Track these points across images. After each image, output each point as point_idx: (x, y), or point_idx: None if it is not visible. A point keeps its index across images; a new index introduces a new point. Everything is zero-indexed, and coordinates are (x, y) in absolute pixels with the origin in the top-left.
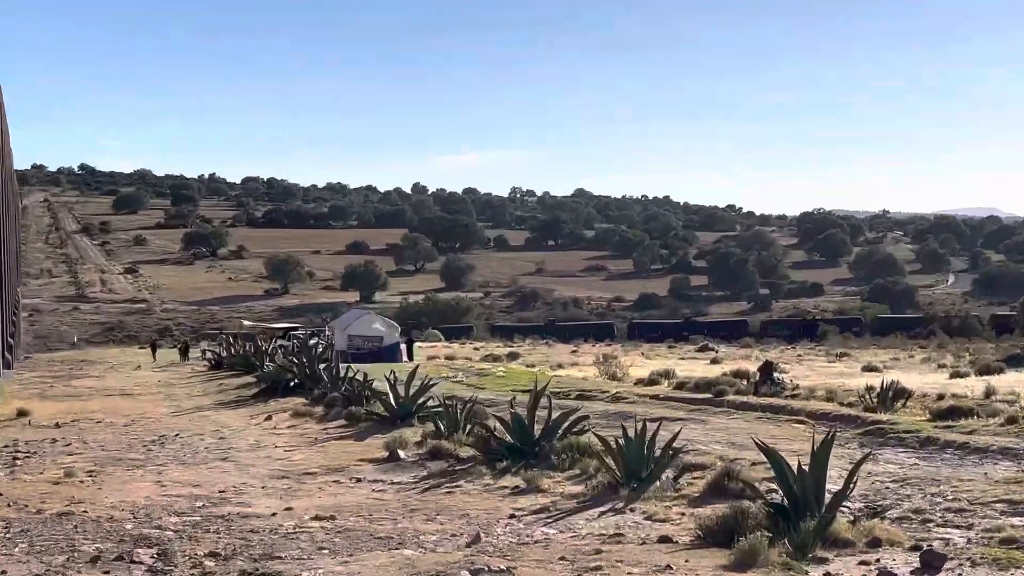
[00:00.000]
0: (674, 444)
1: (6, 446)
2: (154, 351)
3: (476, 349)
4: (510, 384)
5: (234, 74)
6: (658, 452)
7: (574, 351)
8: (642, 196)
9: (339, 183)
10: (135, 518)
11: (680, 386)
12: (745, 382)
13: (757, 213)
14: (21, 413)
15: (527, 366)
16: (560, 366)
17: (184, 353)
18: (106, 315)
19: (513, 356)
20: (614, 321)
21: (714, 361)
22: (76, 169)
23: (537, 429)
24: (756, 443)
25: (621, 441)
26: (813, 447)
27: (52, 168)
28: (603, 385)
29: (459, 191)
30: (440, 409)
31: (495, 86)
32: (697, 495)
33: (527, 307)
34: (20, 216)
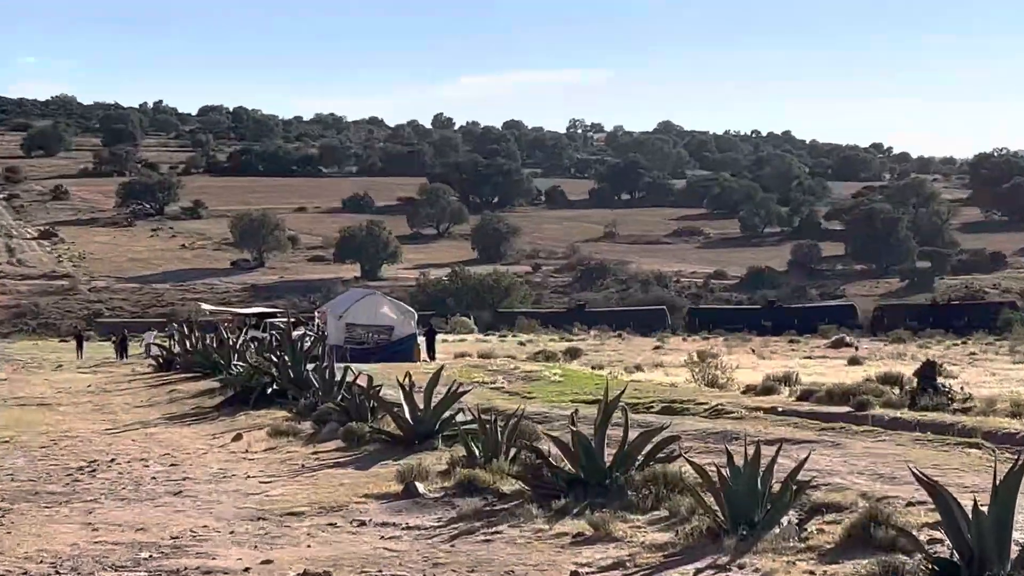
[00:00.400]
0: (799, 476)
1: None
2: (80, 345)
3: (522, 344)
4: (569, 392)
5: None
6: (776, 487)
7: (658, 347)
8: (752, 132)
9: (332, 115)
10: (58, 574)
11: (806, 396)
12: (897, 391)
13: (914, 155)
14: None
15: (592, 368)
16: (639, 368)
17: (121, 348)
18: (14, 295)
19: (573, 354)
20: (719, 305)
21: (853, 361)
22: None
23: (608, 454)
24: (914, 474)
25: (725, 471)
26: (995, 481)
27: None
28: (699, 394)
29: (498, 125)
30: (473, 427)
31: None
32: (831, 547)
33: (591, 285)
34: None
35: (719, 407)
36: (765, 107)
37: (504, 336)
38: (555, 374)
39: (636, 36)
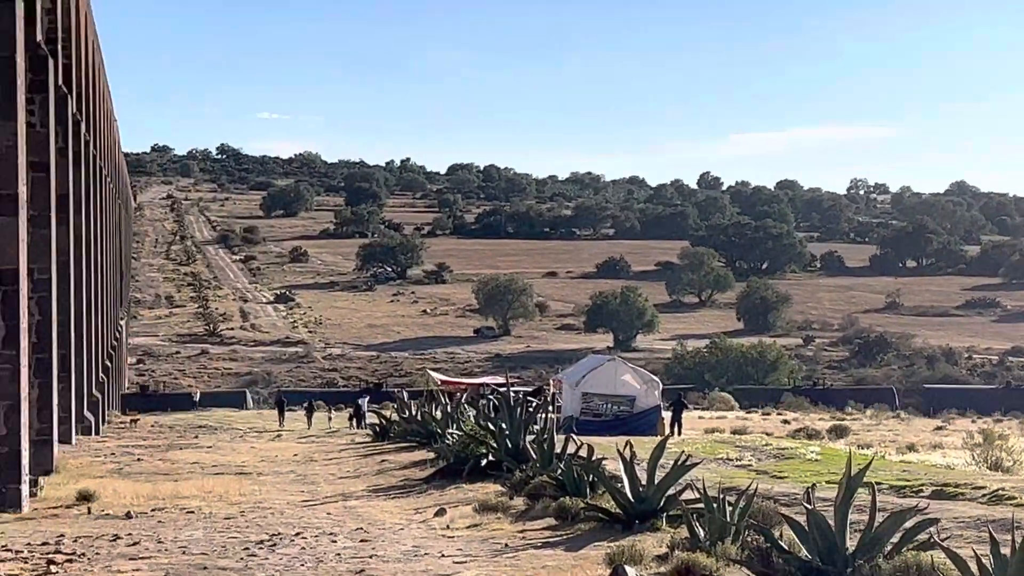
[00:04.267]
0: None
1: (45, 543)
2: (281, 412)
3: (785, 422)
4: (825, 472)
5: (441, 24)
6: None
7: (939, 427)
8: None
9: (589, 174)
10: None
11: None
12: None
13: None
14: (83, 497)
15: (859, 447)
16: (912, 448)
17: (309, 416)
18: (247, 362)
19: (839, 432)
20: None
21: None
22: (214, 152)
23: (853, 540)
24: None
25: (989, 562)
26: None
27: (180, 151)
28: (978, 478)
29: (770, 185)
30: (700, 506)
31: (829, 31)
32: None
33: (870, 361)
34: (130, 220)
35: (1000, 492)
36: None
37: (767, 413)
38: (812, 452)
39: (926, 90)
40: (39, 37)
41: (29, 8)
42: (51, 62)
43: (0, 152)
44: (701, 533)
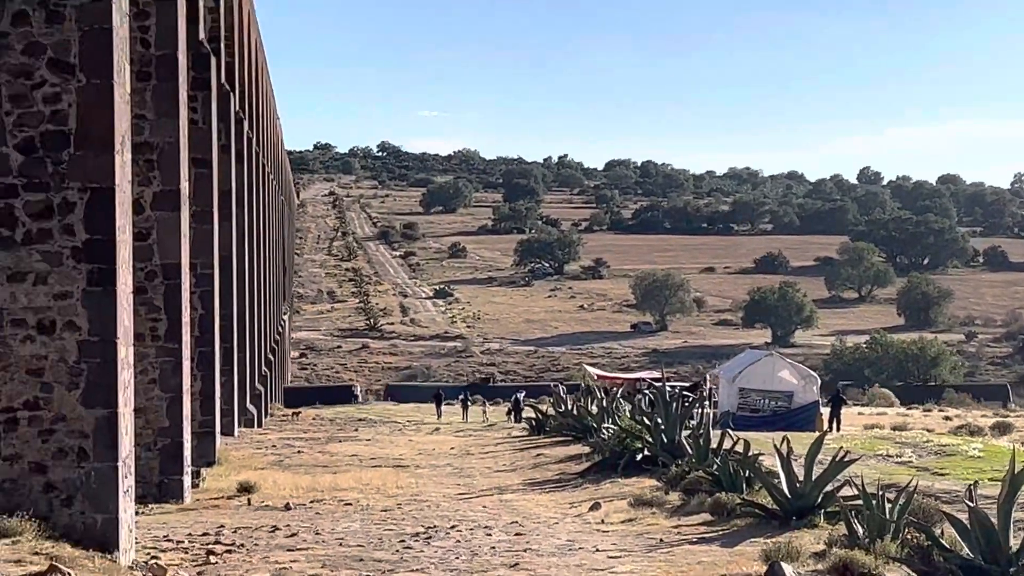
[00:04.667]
0: None
1: (205, 534)
2: (438, 406)
3: (947, 419)
4: (988, 470)
5: (599, 20)
6: None
7: None
8: None
9: (747, 169)
10: None
11: None
12: None
13: None
14: (244, 488)
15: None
16: None
17: (464, 410)
18: (407, 357)
19: (1003, 429)
20: None
21: None
22: (375, 150)
23: (1016, 539)
24: None
25: None
26: None
27: (342, 149)
28: None
29: (931, 180)
30: (859, 502)
31: (989, 24)
32: None
33: None
34: (292, 217)
35: None
36: None
37: (929, 410)
38: (975, 449)
39: None
40: (201, 35)
41: (191, 7)
42: (213, 60)
43: (162, 148)
44: (860, 530)
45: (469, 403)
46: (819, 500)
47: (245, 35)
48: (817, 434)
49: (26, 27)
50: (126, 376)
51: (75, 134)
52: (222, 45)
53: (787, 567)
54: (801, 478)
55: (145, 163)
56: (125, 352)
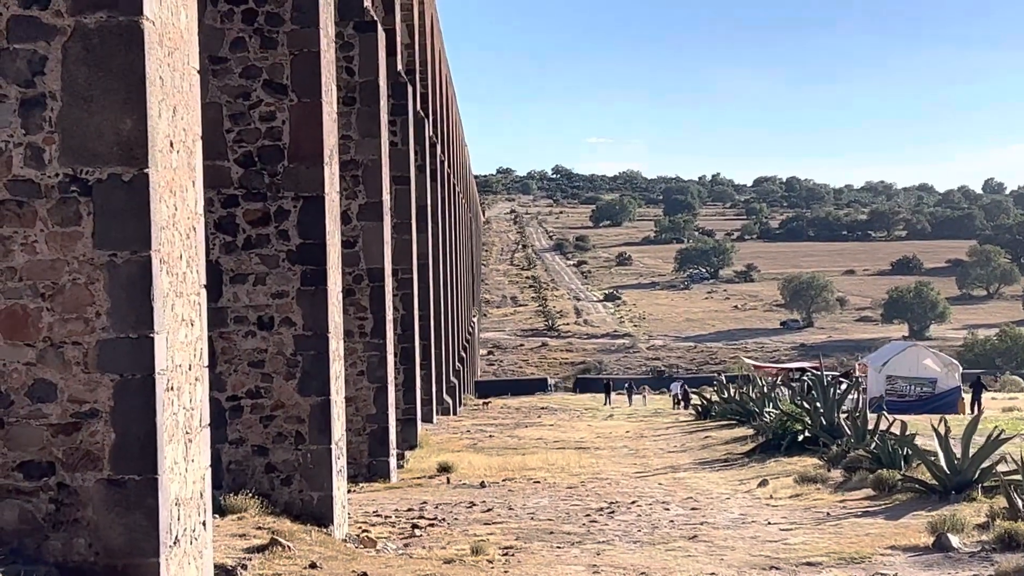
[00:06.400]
0: None
1: (410, 509)
2: (607, 395)
3: None
4: None
5: (745, 53)
6: None
7: None
8: None
9: (882, 182)
10: None
11: None
12: None
13: None
14: (443, 468)
15: None
16: None
17: (629, 396)
18: (581, 353)
19: None
20: None
21: None
22: (550, 173)
23: None
24: None
25: None
26: None
27: (521, 172)
28: None
29: None
30: (1017, 477)
31: None
32: None
33: None
34: (479, 231)
35: None
36: None
37: None
38: None
39: None
40: (399, 67)
41: (390, 41)
42: (410, 89)
43: (366, 166)
44: (1020, 503)
45: (635, 392)
46: (976, 475)
47: (436, 69)
48: (961, 416)
49: (243, 52)
50: (337, 367)
51: (288, 148)
52: (417, 77)
53: (953, 538)
54: (959, 455)
55: (351, 178)
56: (336, 345)
